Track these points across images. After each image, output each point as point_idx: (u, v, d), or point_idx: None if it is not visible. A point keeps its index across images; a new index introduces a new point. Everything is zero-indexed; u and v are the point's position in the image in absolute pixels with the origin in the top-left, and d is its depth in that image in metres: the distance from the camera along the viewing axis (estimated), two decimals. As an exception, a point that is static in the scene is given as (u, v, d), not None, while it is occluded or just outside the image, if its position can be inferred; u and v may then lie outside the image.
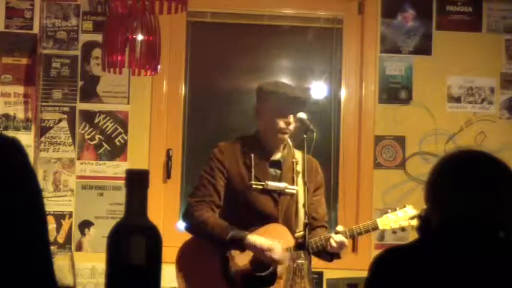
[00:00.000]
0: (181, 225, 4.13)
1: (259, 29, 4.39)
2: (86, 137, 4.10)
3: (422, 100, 4.23)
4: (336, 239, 3.13)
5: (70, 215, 4.06)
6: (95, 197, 4.08)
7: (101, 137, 4.10)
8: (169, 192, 4.14)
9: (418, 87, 4.24)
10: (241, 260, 3.16)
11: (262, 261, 3.12)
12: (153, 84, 4.13)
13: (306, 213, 2.94)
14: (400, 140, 4.22)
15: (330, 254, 3.23)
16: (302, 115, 3.17)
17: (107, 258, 1.30)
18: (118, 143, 4.11)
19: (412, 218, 3.22)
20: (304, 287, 2.17)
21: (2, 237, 1.15)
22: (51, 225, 3.99)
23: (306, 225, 2.90)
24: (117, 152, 4.11)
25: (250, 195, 3.22)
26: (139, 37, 3.30)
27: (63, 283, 1.82)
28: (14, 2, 4.04)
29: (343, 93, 4.29)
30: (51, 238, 3.93)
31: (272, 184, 3.23)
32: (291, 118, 3.20)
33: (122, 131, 4.11)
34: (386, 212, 3.29)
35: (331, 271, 3.88)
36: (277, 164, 3.30)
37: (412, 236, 3.03)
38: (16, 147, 1.23)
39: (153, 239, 1.31)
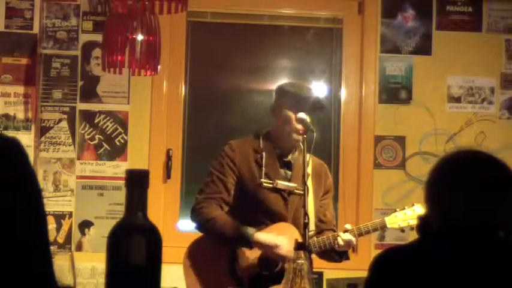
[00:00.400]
0: (181, 225, 4.14)
1: (259, 29, 4.39)
2: (86, 137, 4.10)
3: (422, 100, 4.23)
4: (343, 237, 3.13)
5: (70, 215, 4.06)
6: (95, 197, 4.08)
7: (101, 137, 4.10)
8: (169, 192, 4.14)
9: (418, 87, 4.24)
10: (248, 258, 3.16)
11: (270, 259, 3.12)
12: (153, 84, 4.13)
13: (306, 213, 2.94)
14: (400, 140, 4.22)
15: (338, 254, 3.22)
16: (302, 115, 3.17)
17: (107, 258, 1.30)
18: (118, 143, 4.11)
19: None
20: (304, 287, 2.17)
21: (2, 237, 1.15)
22: (51, 225, 3.98)
23: (305, 225, 2.90)
24: (117, 152, 4.11)
25: (260, 194, 3.22)
26: (139, 37, 3.30)
27: (63, 283, 1.82)
28: (14, 2, 4.04)
29: (343, 93, 4.29)
30: (51, 238, 3.93)
31: (282, 183, 3.23)
32: (308, 119, 3.20)
33: (122, 131, 4.11)
34: (395, 211, 3.28)
35: (331, 271, 3.88)
36: (288, 165, 3.30)
37: (412, 236, 3.03)
38: (16, 147, 1.23)
39: (153, 239, 1.31)
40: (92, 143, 4.10)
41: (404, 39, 4.24)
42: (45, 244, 1.23)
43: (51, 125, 4.08)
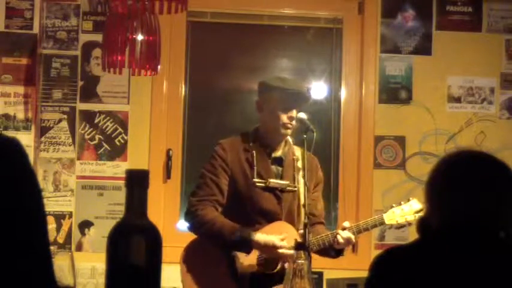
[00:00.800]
0: (181, 225, 4.14)
1: (259, 29, 4.39)
2: (86, 137, 4.10)
3: (422, 100, 4.23)
4: (343, 235, 3.13)
5: (70, 215, 4.06)
6: (95, 197, 4.08)
7: (101, 137, 4.10)
8: (169, 192, 4.14)
9: (418, 87, 4.24)
10: (248, 258, 3.16)
11: (270, 259, 3.12)
12: (153, 84, 4.13)
13: (305, 213, 2.94)
14: (400, 140, 4.22)
15: (334, 251, 3.22)
16: (302, 115, 3.17)
17: (107, 258, 1.30)
18: (118, 143, 4.11)
19: (418, 211, 3.21)
20: (304, 287, 2.17)
21: (2, 237, 1.15)
22: (51, 225, 3.99)
23: (305, 225, 2.90)
24: (117, 152, 4.11)
25: (253, 193, 3.21)
26: (139, 37, 3.30)
27: (63, 283, 1.82)
28: (14, 2, 4.04)
29: (343, 93, 4.29)
30: (51, 238, 3.93)
31: (274, 181, 3.23)
32: (294, 113, 3.19)
33: (122, 131, 4.11)
34: (392, 207, 3.27)
35: (331, 271, 3.89)
36: (279, 161, 3.30)
37: (412, 236, 3.03)
38: (16, 147, 1.23)
39: (153, 239, 1.31)
40: (92, 143, 4.10)
41: (404, 39, 4.24)
42: (45, 244, 1.23)
43: (51, 125, 4.08)
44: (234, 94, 4.40)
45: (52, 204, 4.01)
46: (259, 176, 3.22)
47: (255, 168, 3.22)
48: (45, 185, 4.02)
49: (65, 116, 4.09)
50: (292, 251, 3.00)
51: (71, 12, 4.11)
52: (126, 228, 1.31)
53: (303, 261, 2.19)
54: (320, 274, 3.95)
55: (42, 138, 4.07)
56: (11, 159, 1.21)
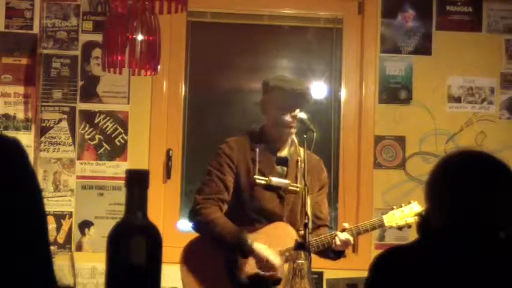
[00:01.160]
0: (181, 225, 4.14)
1: (259, 29, 4.39)
2: (86, 137, 4.10)
3: (422, 100, 4.23)
4: (341, 237, 3.13)
5: (70, 215, 4.06)
6: (95, 197, 4.08)
7: (101, 137, 4.10)
8: (169, 192, 4.14)
9: (418, 87, 4.23)
10: (247, 260, 3.15)
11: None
12: (153, 84, 4.13)
13: (305, 214, 2.94)
14: (400, 140, 4.22)
15: (334, 253, 3.22)
16: (302, 115, 3.17)
17: (107, 258, 1.30)
18: (118, 143, 4.11)
19: (418, 214, 3.20)
20: (304, 287, 2.17)
21: (2, 237, 1.15)
22: (51, 225, 3.98)
23: (305, 225, 2.89)
24: (117, 152, 4.11)
25: (255, 192, 3.21)
26: (139, 37, 3.30)
27: (63, 283, 1.82)
28: (14, 2, 4.04)
29: (343, 93, 4.28)
30: (51, 238, 3.93)
31: (276, 180, 3.22)
32: (297, 112, 3.20)
33: (122, 131, 4.11)
34: (392, 209, 3.27)
35: (331, 271, 3.89)
36: (284, 161, 3.30)
37: (413, 236, 3.03)
38: (16, 147, 1.23)
39: (153, 239, 1.31)
40: (92, 143, 4.10)
41: (404, 39, 4.24)
42: (45, 244, 1.23)
43: (51, 125, 4.08)
44: (234, 94, 4.40)
45: (52, 204, 4.01)
46: (261, 174, 3.22)
47: (257, 165, 3.22)
48: (45, 185, 4.02)
49: (65, 116, 4.09)
50: (281, 269, 3.02)
51: (71, 12, 4.11)
52: (126, 228, 1.31)
53: (303, 261, 2.19)
54: (320, 274, 3.95)
55: (42, 138, 4.07)
56: (11, 159, 1.21)
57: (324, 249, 3.19)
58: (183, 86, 4.23)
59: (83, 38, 4.11)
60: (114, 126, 4.11)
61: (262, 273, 3.11)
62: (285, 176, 3.26)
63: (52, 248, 1.94)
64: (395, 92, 4.24)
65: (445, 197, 1.87)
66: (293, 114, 3.19)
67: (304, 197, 2.97)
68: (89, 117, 4.10)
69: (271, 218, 3.22)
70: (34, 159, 4.01)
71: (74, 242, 4.05)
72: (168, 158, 4.13)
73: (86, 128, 4.10)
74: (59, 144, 4.08)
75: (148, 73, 3.46)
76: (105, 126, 4.10)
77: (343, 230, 3.16)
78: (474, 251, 1.80)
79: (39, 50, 4.07)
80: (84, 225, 4.07)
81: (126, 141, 4.11)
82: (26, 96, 4.03)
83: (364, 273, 1.89)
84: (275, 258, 3.08)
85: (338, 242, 3.12)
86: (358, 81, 4.25)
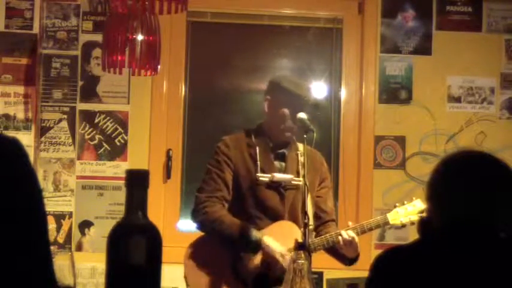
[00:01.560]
0: (181, 225, 4.14)
1: (259, 29, 4.39)
2: (86, 137, 4.10)
3: (422, 100, 4.23)
4: (344, 235, 3.12)
5: (70, 215, 4.06)
6: (95, 197, 4.08)
7: (101, 137, 4.10)
8: (169, 192, 4.14)
9: (418, 87, 4.24)
10: (252, 258, 3.15)
11: (273, 264, 3.11)
12: (153, 84, 4.13)
13: (305, 213, 2.93)
14: (400, 140, 4.22)
15: (348, 260, 3.21)
16: (302, 115, 3.17)
17: (107, 258, 1.30)
18: (118, 143, 4.11)
19: (422, 211, 3.20)
20: (304, 287, 2.17)
21: (2, 237, 1.15)
22: (51, 225, 3.98)
23: (305, 225, 2.89)
24: (117, 152, 4.11)
25: (256, 189, 3.21)
26: (139, 37, 3.30)
27: (63, 283, 1.82)
28: (14, 2, 4.04)
29: (343, 93, 4.29)
30: (51, 238, 3.93)
31: (279, 176, 3.22)
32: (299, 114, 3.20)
33: (122, 131, 4.11)
34: (395, 207, 3.27)
35: (331, 271, 3.89)
36: (282, 157, 3.30)
37: (413, 236, 3.03)
38: (16, 147, 1.23)
39: (153, 239, 1.31)
40: (92, 143, 4.10)
41: (404, 39, 4.24)
42: (45, 244, 1.23)
43: (51, 125, 4.08)
44: (234, 94, 4.40)
45: (52, 204, 4.01)
46: (263, 172, 3.22)
47: (259, 163, 3.22)
48: (45, 185, 4.02)
49: (65, 116, 4.09)
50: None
51: (71, 12, 4.11)
52: (126, 228, 1.31)
53: (303, 261, 2.19)
54: (320, 274, 3.95)
55: (42, 138, 4.07)
56: (11, 159, 1.21)
57: (333, 249, 3.17)
58: (183, 86, 4.23)
59: (83, 38, 4.11)
60: (114, 126, 4.11)
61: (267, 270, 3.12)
62: (284, 172, 3.26)
63: (52, 248, 1.94)
64: (395, 92, 4.24)
65: (445, 197, 1.87)
66: (297, 117, 3.19)
67: (304, 196, 2.96)
68: (89, 117, 4.10)
69: (272, 215, 3.22)
70: (34, 159, 4.01)
71: (74, 242, 4.05)
72: (168, 158, 4.13)
73: (86, 128, 4.10)
74: (59, 144, 4.08)
75: (148, 73, 3.46)
76: (105, 126, 4.10)
77: (348, 229, 3.16)
78: (474, 251, 1.80)
79: (39, 50, 4.07)
80: (84, 225, 4.07)
81: (126, 141, 4.11)
82: (26, 96, 4.03)
83: (364, 273, 1.89)
84: (283, 251, 3.08)
85: (342, 242, 3.11)
86: (358, 81, 4.25)
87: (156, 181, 4.04)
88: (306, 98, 3.22)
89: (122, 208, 1.33)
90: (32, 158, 3.94)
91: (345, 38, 4.30)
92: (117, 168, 4.08)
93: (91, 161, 4.09)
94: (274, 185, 3.23)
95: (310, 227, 3.11)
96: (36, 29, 4.04)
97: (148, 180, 1.32)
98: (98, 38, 3.91)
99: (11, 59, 4.03)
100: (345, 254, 3.18)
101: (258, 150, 3.24)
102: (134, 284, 1.28)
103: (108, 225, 1.62)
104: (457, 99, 4.25)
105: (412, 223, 3.24)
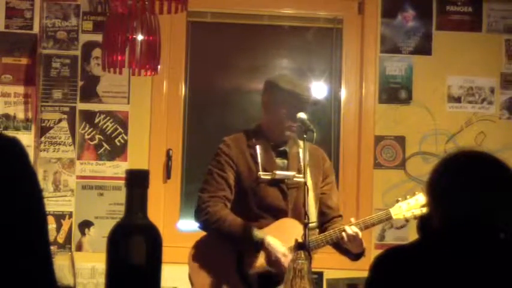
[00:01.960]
0: (181, 224, 4.14)
1: (259, 29, 4.39)
2: (86, 137, 4.10)
3: (422, 100, 4.23)
4: (348, 231, 3.12)
5: (70, 215, 4.06)
6: (95, 197, 4.08)
7: (101, 137, 4.10)
8: (169, 192, 4.14)
9: (418, 87, 4.24)
10: (256, 257, 3.15)
11: (275, 264, 3.12)
12: (153, 84, 4.13)
13: (305, 213, 2.93)
14: (400, 140, 4.22)
15: (354, 255, 3.20)
16: (302, 115, 3.16)
17: (107, 258, 1.30)
18: (118, 143, 4.11)
19: (424, 205, 3.19)
20: (304, 287, 2.17)
21: (2, 237, 1.15)
22: (51, 225, 3.98)
23: (305, 224, 2.89)
24: (117, 152, 4.11)
25: (258, 188, 3.21)
26: (140, 37, 3.30)
27: (63, 283, 1.82)
28: (14, 2, 4.04)
29: (343, 93, 4.29)
30: (51, 238, 3.93)
31: (280, 173, 3.21)
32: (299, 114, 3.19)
33: (122, 131, 4.11)
34: (398, 201, 3.26)
35: (331, 271, 3.89)
36: (284, 154, 3.30)
37: (412, 236, 3.03)
38: (16, 147, 1.23)
39: (153, 239, 1.31)
40: (92, 143, 4.10)
41: (404, 39, 4.24)
42: (45, 244, 1.23)
43: (51, 125, 4.08)
44: (234, 94, 4.40)
45: (52, 204, 4.01)
46: (264, 170, 3.22)
47: (260, 162, 3.22)
48: (45, 185, 4.02)
49: (65, 116, 4.09)
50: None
51: (71, 12, 4.11)
52: (126, 228, 1.31)
53: (303, 261, 2.19)
54: (320, 274, 3.95)
55: (42, 138, 4.07)
56: (11, 159, 1.21)
57: (338, 244, 3.17)
58: (183, 86, 4.23)
59: (83, 38, 4.11)
60: (114, 126, 4.11)
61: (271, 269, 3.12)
62: (286, 169, 3.26)
63: (52, 248, 1.94)
64: (395, 92, 4.24)
65: (445, 197, 1.87)
66: (297, 117, 3.19)
67: (305, 196, 2.96)
68: (89, 117, 4.10)
69: (275, 213, 3.22)
70: (34, 159, 4.01)
71: (74, 242, 4.05)
72: (168, 158, 4.13)
73: (86, 128, 4.10)
74: (59, 144, 4.08)
75: (148, 73, 3.46)
76: (105, 126, 4.10)
77: (351, 225, 3.15)
78: (474, 251, 1.80)
79: (39, 50, 4.07)
80: (84, 225, 4.07)
81: (126, 141, 4.11)
82: (26, 96, 4.03)
83: (364, 273, 1.89)
84: (285, 250, 3.08)
85: (346, 238, 3.11)
86: (358, 81, 4.25)
87: (156, 181, 4.04)
88: (304, 97, 3.21)
89: (122, 208, 1.33)
90: (32, 158, 3.93)
91: (345, 38, 4.30)
92: (117, 168, 4.08)
93: (91, 161, 4.09)
94: (277, 183, 3.22)
95: (313, 225, 3.11)
96: (36, 29, 4.04)
97: (148, 180, 1.32)
98: (98, 38, 3.91)
99: (11, 59, 4.03)
100: (349, 250, 3.18)
101: (258, 149, 3.24)
102: (134, 284, 1.28)
103: (108, 225, 1.62)
104: (457, 99, 4.25)
105: (415, 217, 3.23)
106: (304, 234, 2.89)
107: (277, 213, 3.22)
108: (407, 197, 3.27)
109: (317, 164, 3.30)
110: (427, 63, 4.24)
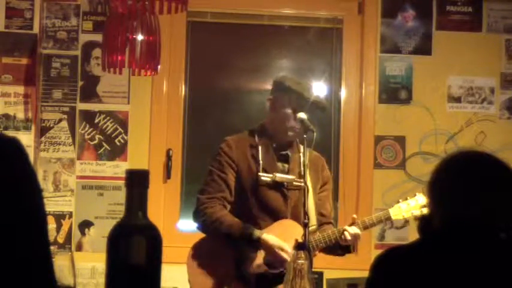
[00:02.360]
0: (181, 225, 4.14)
1: (259, 29, 4.39)
2: (86, 137, 4.10)
3: (422, 100, 4.23)
4: (350, 231, 3.12)
5: (70, 215, 4.06)
6: (95, 197, 4.08)
7: (101, 137, 4.10)
8: (169, 192, 4.14)
9: (418, 87, 4.24)
10: (255, 257, 3.15)
11: (275, 260, 3.11)
12: (153, 84, 4.13)
13: (305, 213, 2.93)
14: (400, 140, 4.22)
15: (342, 248, 3.21)
16: (302, 115, 3.16)
17: (107, 258, 1.30)
18: (118, 143, 4.11)
19: (424, 206, 3.19)
20: (304, 287, 2.17)
21: (2, 237, 1.15)
22: (51, 225, 3.98)
23: (305, 225, 2.89)
24: (117, 152, 4.11)
25: (258, 190, 3.21)
26: (140, 37, 3.30)
27: (63, 283, 1.82)
28: (14, 2, 4.04)
29: (343, 93, 4.29)
30: (51, 238, 3.93)
31: (280, 176, 3.21)
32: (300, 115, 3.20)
33: (122, 131, 4.11)
34: (398, 202, 3.26)
35: (331, 271, 3.88)
36: (285, 158, 3.30)
37: (412, 235, 3.03)
38: (16, 147, 1.23)
39: (153, 239, 1.31)
40: (92, 143, 4.10)
41: (404, 39, 4.24)
42: (45, 244, 1.23)
43: (51, 125, 4.08)
44: (234, 94, 4.40)
45: (52, 204, 4.01)
46: (265, 171, 3.22)
47: (261, 163, 3.22)
48: (45, 185, 4.02)
49: (65, 116, 4.09)
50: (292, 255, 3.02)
51: (71, 12, 4.11)
52: (126, 228, 1.31)
53: (303, 261, 2.19)
54: (320, 274, 3.95)
55: (42, 138, 4.07)
56: (11, 159, 1.21)
57: (331, 245, 3.18)
58: (183, 86, 4.23)
59: (83, 38, 4.11)
60: (114, 126, 4.11)
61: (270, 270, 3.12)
62: (286, 173, 3.26)
63: (52, 248, 1.94)
64: (395, 92, 4.24)
65: (445, 197, 1.87)
66: (297, 118, 3.19)
67: (305, 196, 2.97)
68: (89, 117, 4.10)
69: (275, 215, 3.22)
70: (34, 159, 4.01)
71: (74, 242, 4.05)
72: (168, 158, 4.13)
73: (86, 128, 4.10)
74: (59, 144, 4.08)
75: (148, 73, 3.46)
76: (105, 126, 4.10)
77: (352, 223, 3.15)
78: (474, 251, 1.80)
79: (39, 50, 4.07)
80: (84, 225, 4.07)
81: (126, 141, 4.11)
82: (26, 96, 4.03)
83: (364, 273, 1.89)
84: (285, 246, 3.07)
85: (348, 237, 3.11)
86: (358, 81, 4.25)
87: (156, 181, 4.04)
88: (309, 98, 3.22)
89: (122, 208, 1.33)
90: (32, 158, 3.93)
91: (345, 38, 4.30)
92: (117, 168, 4.08)
93: (91, 161, 4.09)
94: (277, 186, 3.23)
95: (313, 228, 3.12)
96: (36, 29, 4.04)
97: (148, 180, 1.32)
98: (98, 38, 3.91)
99: (11, 59, 4.03)
100: (340, 246, 3.19)
101: (260, 151, 3.24)
102: (134, 284, 1.28)
103: (108, 225, 1.63)
104: (457, 99, 4.25)
105: (415, 218, 3.23)
106: (304, 234, 2.89)
107: (277, 216, 3.22)
108: (407, 197, 3.27)
109: (316, 170, 3.31)
110: (427, 63, 4.24)
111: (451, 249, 1.81)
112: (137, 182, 1.31)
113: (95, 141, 4.10)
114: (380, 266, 1.85)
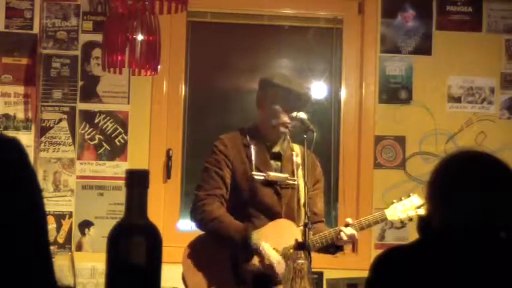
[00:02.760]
0: (181, 225, 4.14)
1: (259, 29, 4.39)
2: (86, 137, 4.10)
3: (422, 100, 4.23)
4: (346, 232, 3.12)
5: (70, 215, 4.06)
6: (95, 197, 4.08)
7: (101, 137, 4.10)
8: (169, 192, 4.14)
9: (418, 87, 4.24)
10: (252, 258, 3.15)
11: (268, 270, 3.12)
12: (153, 84, 4.13)
13: (306, 213, 2.94)
14: (400, 140, 4.22)
15: (333, 247, 3.22)
16: (302, 115, 3.17)
17: (107, 258, 1.30)
18: (118, 143, 4.11)
19: (419, 207, 3.20)
20: (304, 287, 2.17)
21: (2, 238, 1.15)
22: (51, 225, 3.98)
23: (305, 224, 2.89)
24: (117, 152, 4.11)
25: (252, 188, 3.21)
26: (140, 37, 3.30)
27: (63, 283, 1.82)
28: (14, 2, 4.04)
29: (343, 93, 4.29)
30: (51, 238, 3.93)
31: (274, 175, 3.22)
32: (294, 114, 3.20)
33: (122, 131, 4.11)
34: (393, 203, 3.27)
35: (331, 271, 3.89)
36: (278, 156, 3.30)
37: (412, 235, 3.03)
38: (16, 147, 1.23)
39: (153, 239, 1.31)
40: (92, 143, 4.10)
41: (404, 39, 4.24)
42: (45, 244, 1.23)
43: (51, 125, 4.08)
44: (234, 94, 4.40)
45: (52, 204, 4.01)
46: (258, 170, 3.22)
47: (254, 162, 3.23)
48: (45, 185, 4.02)
49: (65, 116, 4.09)
50: (283, 274, 3.02)
51: (71, 12, 4.11)
52: (126, 228, 1.31)
53: (303, 261, 2.19)
54: (320, 274, 3.95)
55: (42, 138, 4.07)
56: (11, 159, 1.21)
57: (326, 245, 3.18)
58: (183, 86, 4.23)
59: (83, 38, 4.11)
60: (114, 126, 4.11)
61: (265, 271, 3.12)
62: (280, 171, 3.27)
63: (52, 248, 1.94)
64: (395, 92, 4.24)
65: (445, 197, 1.87)
66: (290, 115, 3.19)
67: (305, 196, 2.97)
68: (89, 117, 4.10)
69: (269, 213, 3.22)
70: (34, 159, 4.01)
71: (74, 242, 4.05)
72: (168, 158, 4.13)
73: (86, 128, 4.10)
74: (59, 144, 4.08)
75: (148, 73, 3.46)
76: (105, 126, 4.10)
77: (347, 225, 3.16)
78: (474, 251, 1.80)
79: (39, 50, 4.07)
80: (84, 225, 4.07)
81: (126, 141, 4.11)
82: (26, 96, 4.03)
83: (364, 273, 1.89)
84: (276, 261, 3.07)
85: (345, 238, 3.12)
86: (358, 81, 4.25)
87: (156, 181, 4.03)
88: (297, 92, 3.21)
89: (122, 208, 1.33)
90: (32, 158, 3.93)
91: (345, 38, 4.30)
92: (117, 168, 4.08)
93: (91, 161, 4.09)
94: (271, 184, 3.23)
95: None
96: (36, 29, 4.04)
97: (148, 180, 1.32)
98: (98, 38, 3.91)
99: (11, 59, 4.03)
100: (334, 245, 3.19)
101: (253, 150, 3.25)
102: (134, 284, 1.28)
103: (108, 225, 1.62)
104: (457, 99, 4.25)
105: (410, 219, 3.25)
106: (304, 234, 2.89)
107: (271, 213, 3.22)
108: (402, 198, 3.28)
109: (309, 170, 3.31)
110: (427, 63, 4.24)
111: (451, 249, 1.81)
112: (137, 182, 1.31)
113: (95, 141, 4.10)
114: (380, 266, 1.85)
